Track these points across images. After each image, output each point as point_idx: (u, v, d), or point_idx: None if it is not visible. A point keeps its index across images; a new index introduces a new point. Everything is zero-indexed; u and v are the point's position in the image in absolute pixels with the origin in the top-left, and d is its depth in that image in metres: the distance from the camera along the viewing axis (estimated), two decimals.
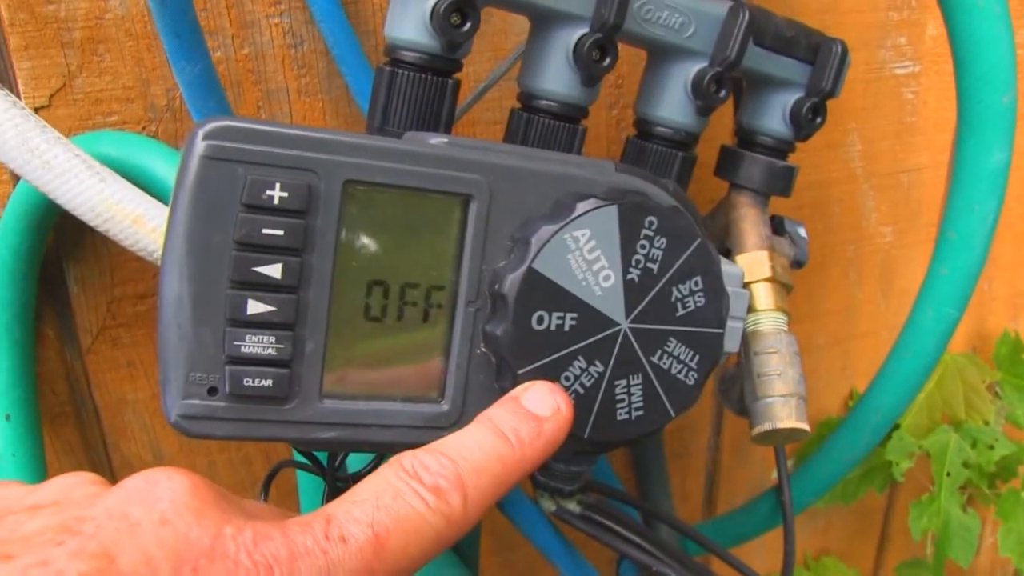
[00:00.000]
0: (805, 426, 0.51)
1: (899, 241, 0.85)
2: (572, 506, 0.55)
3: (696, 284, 0.36)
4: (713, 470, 0.86)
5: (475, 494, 0.30)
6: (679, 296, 0.36)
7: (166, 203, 0.50)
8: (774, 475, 0.77)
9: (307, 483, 0.54)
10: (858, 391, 0.89)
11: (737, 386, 0.54)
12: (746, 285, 0.53)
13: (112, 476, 0.65)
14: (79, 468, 0.63)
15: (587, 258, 0.34)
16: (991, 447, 0.83)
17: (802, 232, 0.58)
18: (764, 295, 0.53)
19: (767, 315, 0.53)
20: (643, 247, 0.35)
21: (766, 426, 0.51)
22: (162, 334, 0.32)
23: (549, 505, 0.55)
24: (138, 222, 0.46)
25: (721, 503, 0.88)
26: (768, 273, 0.54)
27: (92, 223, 0.46)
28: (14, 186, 0.54)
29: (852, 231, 0.82)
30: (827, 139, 0.77)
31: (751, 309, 0.53)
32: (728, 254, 0.58)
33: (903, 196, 0.84)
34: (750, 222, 0.55)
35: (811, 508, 0.75)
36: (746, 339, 0.52)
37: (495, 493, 0.31)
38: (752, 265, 0.54)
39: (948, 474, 0.82)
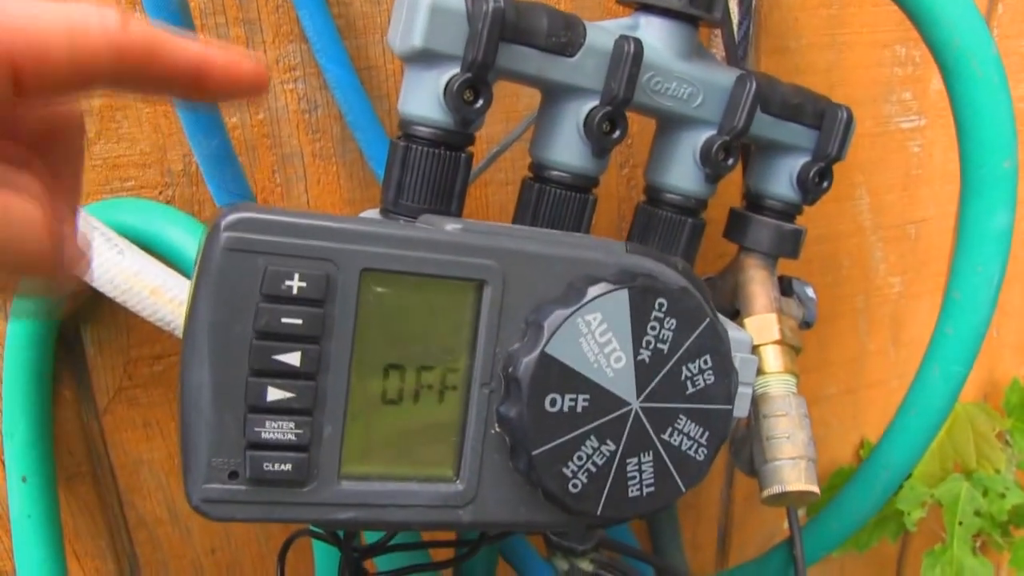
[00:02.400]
0: (815, 488, 0.52)
1: (908, 291, 0.86)
2: (585, 565, 0.55)
3: (705, 362, 0.37)
4: (725, 521, 0.86)
5: None
6: (689, 375, 0.37)
7: (183, 271, 0.51)
8: (786, 526, 0.77)
9: (323, 551, 0.54)
10: (869, 440, 0.89)
11: (747, 447, 0.54)
12: (755, 348, 0.54)
13: (128, 534, 0.65)
14: (94, 526, 0.64)
15: (599, 340, 0.35)
16: (1002, 495, 0.83)
17: (810, 292, 0.59)
18: (773, 358, 0.54)
19: (776, 378, 0.53)
20: (653, 328, 0.36)
21: (775, 489, 0.52)
22: (183, 420, 0.32)
23: (562, 564, 0.55)
24: (156, 293, 0.47)
25: (734, 553, 0.88)
26: (777, 336, 0.54)
27: (111, 295, 0.47)
28: None
29: (861, 282, 0.83)
30: (835, 193, 0.77)
31: (760, 372, 0.53)
32: (737, 315, 0.58)
33: (911, 247, 0.84)
34: (759, 284, 0.56)
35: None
36: (755, 402, 0.53)
37: None
38: (761, 328, 0.54)
39: (960, 523, 0.82)
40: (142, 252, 0.48)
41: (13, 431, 0.57)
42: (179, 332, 0.51)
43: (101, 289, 0.47)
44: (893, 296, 0.85)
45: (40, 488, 0.58)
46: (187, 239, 0.52)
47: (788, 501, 0.52)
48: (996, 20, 0.81)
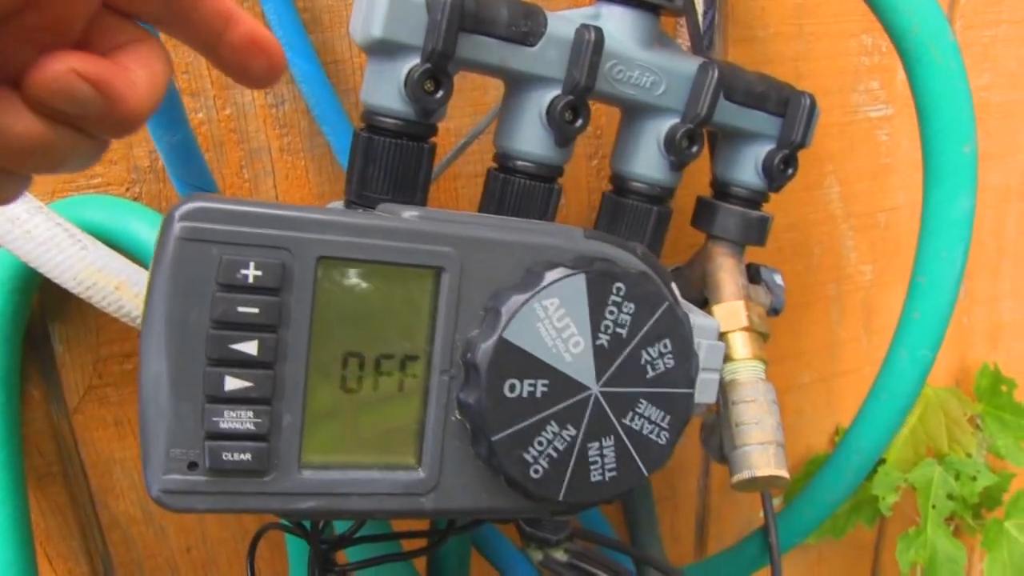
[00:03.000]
0: (784, 473, 0.52)
1: (879, 279, 0.87)
2: (559, 555, 0.55)
3: (665, 346, 0.37)
4: (703, 511, 0.86)
5: None
6: (648, 359, 0.37)
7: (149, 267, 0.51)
8: (762, 514, 0.78)
9: (295, 544, 0.54)
10: (843, 427, 0.90)
11: (717, 434, 0.54)
12: (723, 335, 0.54)
13: (101, 535, 0.65)
14: (66, 527, 0.64)
15: (557, 326, 0.35)
16: (974, 478, 0.84)
17: (778, 279, 0.59)
18: (741, 345, 0.54)
19: (744, 364, 0.54)
20: (611, 313, 0.36)
21: (745, 474, 0.52)
22: (142, 410, 0.32)
23: (536, 555, 0.55)
24: (121, 288, 0.47)
25: (712, 543, 0.88)
26: (744, 323, 0.54)
27: (75, 291, 0.47)
28: None
29: (833, 271, 0.83)
30: (805, 182, 0.78)
31: (728, 359, 0.54)
32: (706, 303, 0.59)
33: (881, 235, 0.85)
34: (726, 272, 0.56)
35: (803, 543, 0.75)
36: (724, 389, 0.53)
37: None
38: (728, 315, 0.55)
39: (934, 506, 0.83)
40: (106, 248, 0.48)
41: None
42: None
43: (65, 286, 0.47)
44: (864, 284, 0.86)
45: (8, 490, 0.58)
46: (154, 235, 0.51)
47: (758, 486, 0.53)
48: (959, 11, 0.81)
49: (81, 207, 0.53)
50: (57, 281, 0.46)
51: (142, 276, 0.48)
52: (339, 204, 0.49)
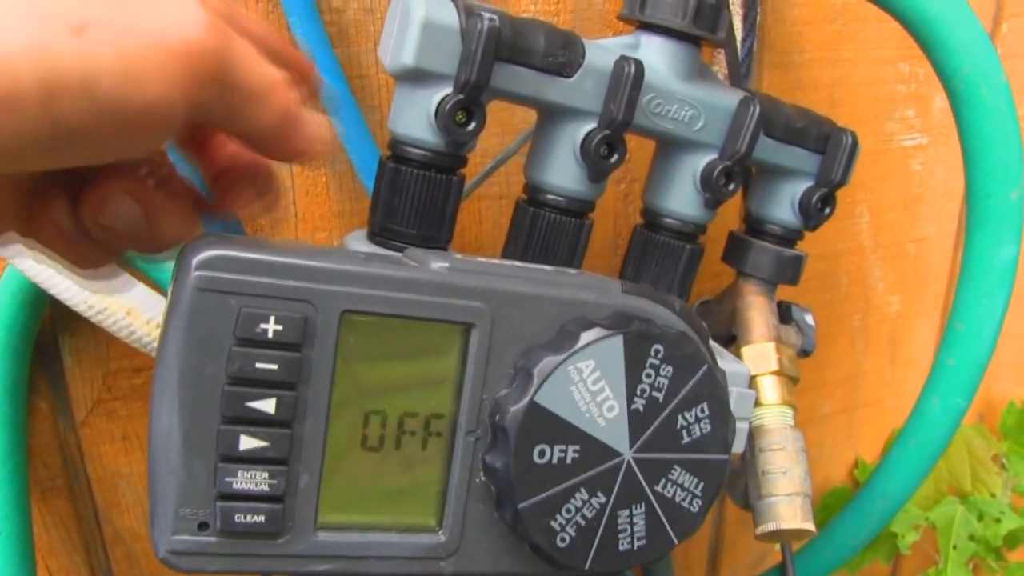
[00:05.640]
0: (811, 526, 0.50)
1: (906, 310, 0.85)
2: None
3: (702, 411, 0.35)
4: (716, 541, 0.84)
5: None
6: (684, 424, 0.35)
7: (163, 287, 0.49)
8: (777, 548, 0.76)
9: None
10: (863, 460, 0.88)
11: (742, 481, 0.53)
12: (752, 379, 0.52)
13: (104, 550, 0.64)
14: (69, 541, 0.62)
15: (591, 389, 0.33)
16: (998, 520, 0.82)
17: (809, 320, 0.57)
18: (770, 389, 0.52)
19: (772, 410, 0.52)
20: (648, 376, 0.34)
21: (770, 526, 0.50)
22: (152, 466, 0.31)
23: None
24: (132, 313, 0.45)
25: (724, 574, 0.86)
26: (775, 366, 0.53)
27: (86, 314, 0.45)
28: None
29: (859, 301, 0.81)
30: (835, 211, 0.76)
31: (756, 403, 0.52)
32: (733, 340, 0.57)
33: (910, 266, 0.83)
34: (757, 311, 0.55)
35: None
36: (751, 434, 0.52)
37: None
38: (758, 358, 0.53)
39: (955, 547, 0.81)
40: (118, 269, 0.47)
41: None
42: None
43: (76, 309, 0.45)
44: (891, 315, 0.84)
45: (11, 504, 0.56)
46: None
47: (783, 538, 0.51)
48: (1000, 39, 0.79)
49: None
50: (68, 304, 0.45)
51: (155, 301, 0.46)
52: (361, 232, 0.47)
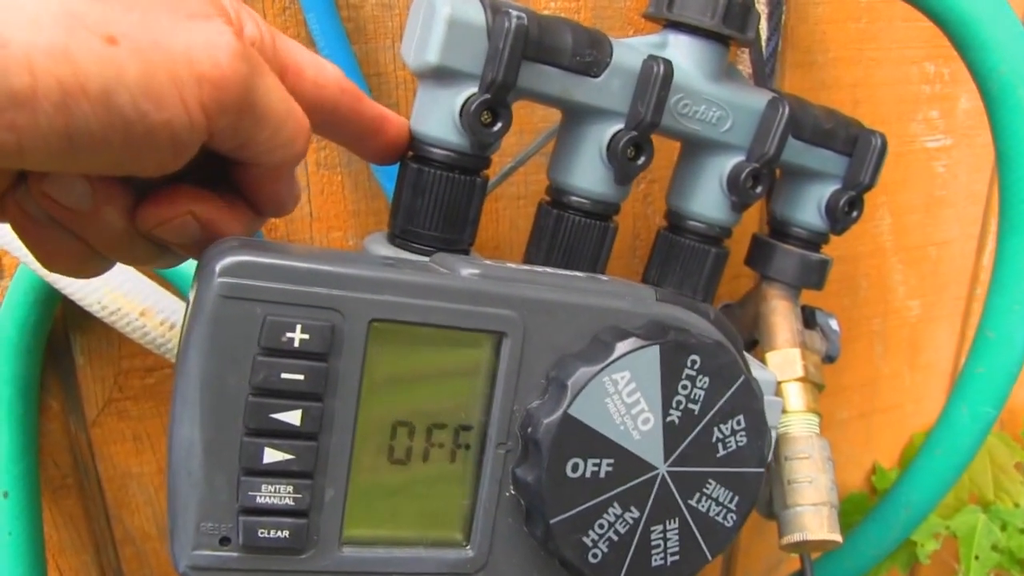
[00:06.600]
0: (837, 537, 0.49)
1: (926, 314, 0.83)
2: None
3: (738, 423, 0.34)
4: (731, 547, 0.83)
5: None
6: (720, 437, 0.34)
7: (178, 289, 0.48)
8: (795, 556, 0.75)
9: None
10: (881, 465, 0.87)
11: (766, 490, 0.52)
12: (778, 385, 0.51)
13: (115, 550, 0.63)
14: (79, 541, 0.61)
15: (626, 401, 0.32)
16: (1022, 531, 0.80)
17: (834, 325, 0.56)
18: (796, 396, 0.51)
19: (798, 417, 0.51)
20: (685, 388, 0.33)
21: (796, 537, 0.49)
22: (171, 477, 0.30)
23: None
24: (146, 314, 0.44)
25: None
26: (800, 373, 0.52)
27: (99, 315, 0.44)
28: None
29: (879, 304, 0.80)
30: None
31: (782, 410, 0.51)
32: (755, 344, 0.56)
33: (931, 269, 0.82)
34: (781, 315, 0.54)
35: None
36: (776, 443, 0.50)
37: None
38: (784, 364, 0.52)
39: (977, 557, 0.80)
40: (131, 269, 0.46)
41: None
42: (170, 355, 0.48)
43: (89, 309, 0.44)
44: (912, 319, 0.83)
45: (23, 504, 0.56)
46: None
47: (809, 549, 0.50)
48: None
49: None
50: (81, 304, 0.44)
51: (169, 302, 0.45)
52: (381, 234, 0.46)
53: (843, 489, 0.86)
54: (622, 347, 0.32)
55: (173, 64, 0.26)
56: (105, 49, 0.25)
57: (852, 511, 0.82)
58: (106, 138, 0.25)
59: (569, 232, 0.46)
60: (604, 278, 0.36)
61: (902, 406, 0.86)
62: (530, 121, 0.60)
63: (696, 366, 0.33)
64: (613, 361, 0.32)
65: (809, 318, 0.56)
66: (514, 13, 0.40)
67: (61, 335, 0.56)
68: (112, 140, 0.26)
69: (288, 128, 0.31)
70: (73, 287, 0.43)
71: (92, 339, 0.57)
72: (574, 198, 0.46)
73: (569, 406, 0.31)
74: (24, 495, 0.56)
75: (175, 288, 0.49)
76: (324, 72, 0.35)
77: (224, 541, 0.30)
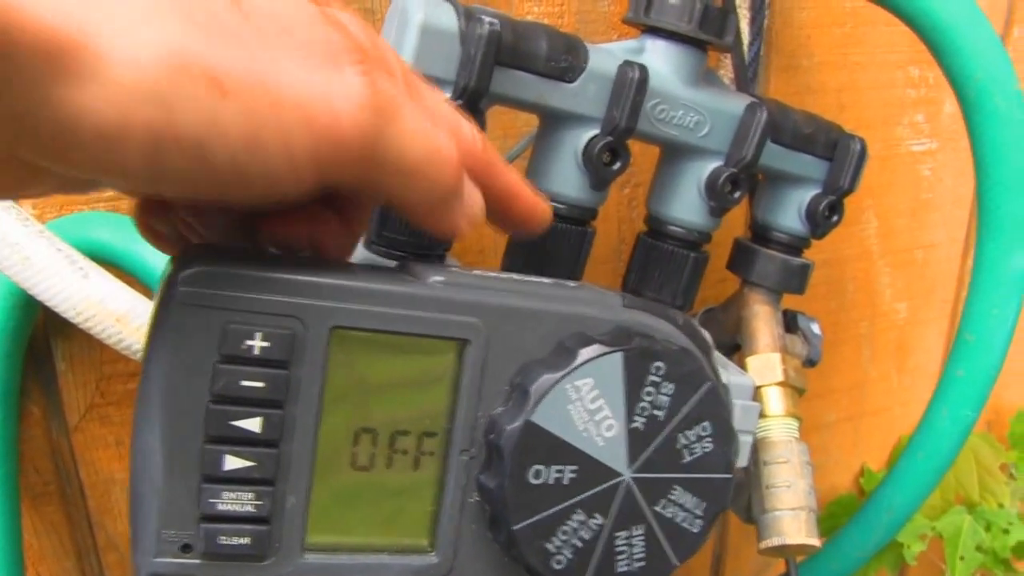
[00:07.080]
0: (815, 541, 0.49)
1: (913, 317, 0.83)
2: None
3: (704, 430, 0.34)
4: (720, 548, 0.83)
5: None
6: (686, 443, 0.34)
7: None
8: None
9: None
10: (869, 468, 0.87)
11: (745, 494, 0.52)
12: (757, 390, 0.51)
13: (97, 556, 0.63)
14: (61, 548, 0.61)
15: (589, 408, 0.32)
16: (1006, 531, 0.80)
17: (815, 329, 0.56)
18: (775, 401, 0.51)
19: (777, 422, 0.51)
20: (649, 394, 0.33)
21: (774, 541, 0.49)
22: (134, 486, 0.30)
23: None
24: (122, 321, 0.44)
25: None
26: (780, 377, 0.52)
27: (74, 321, 0.44)
28: None
29: (866, 308, 0.80)
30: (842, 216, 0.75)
31: (761, 415, 0.51)
32: (737, 349, 0.56)
33: (918, 273, 0.82)
34: (762, 320, 0.54)
35: None
36: (755, 447, 0.50)
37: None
38: (763, 368, 0.52)
39: (962, 558, 0.80)
40: (108, 275, 0.46)
41: None
42: None
43: (65, 316, 0.44)
44: (899, 322, 0.83)
45: (2, 509, 0.56)
46: (163, 261, 0.49)
47: (787, 553, 0.50)
48: (1011, 44, 0.78)
49: (88, 225, 0.51)
50: (56, 311, 0.44)
51: (145, 308, 0.45)
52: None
53: (832, 492, 0.86)
54: (585, 353, 0.32)
55: (284, 115, 0.24)
56: (209, 101, 0.22)
57: (841, 513, 0.82)
58: (195, 183, 0.24)
59: (547, 237, 0.45)
60: (572, 284, 0.36)
61: (890, 409, 0.86)
62: (514, 125, 0.60)
63: (661, 372, 0.33)
64: (576, 368, 0.31)
65: (791, 322, 0.56)
66: (487, 19, 0.40)
67: (42, 341, 0.56)
68: (199, 183, 0.24)
69: (429, 173, 0.28)
70: (49, 294, 0.43)
71: (74, 345, 0.57)
72: (551, 204, 0.46)
73: (532, 413, 0.31)
74: (3, 502, 0.55)
75: (153, 294, 0.49)
76: (460, 131, 0.31)
77: (185, 548, 0.30)
